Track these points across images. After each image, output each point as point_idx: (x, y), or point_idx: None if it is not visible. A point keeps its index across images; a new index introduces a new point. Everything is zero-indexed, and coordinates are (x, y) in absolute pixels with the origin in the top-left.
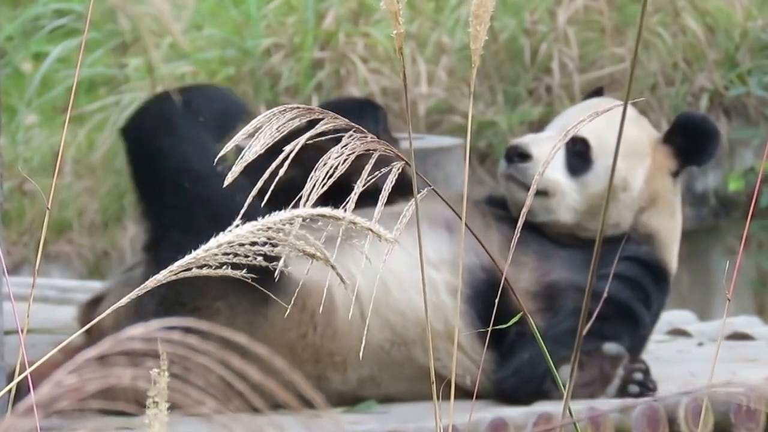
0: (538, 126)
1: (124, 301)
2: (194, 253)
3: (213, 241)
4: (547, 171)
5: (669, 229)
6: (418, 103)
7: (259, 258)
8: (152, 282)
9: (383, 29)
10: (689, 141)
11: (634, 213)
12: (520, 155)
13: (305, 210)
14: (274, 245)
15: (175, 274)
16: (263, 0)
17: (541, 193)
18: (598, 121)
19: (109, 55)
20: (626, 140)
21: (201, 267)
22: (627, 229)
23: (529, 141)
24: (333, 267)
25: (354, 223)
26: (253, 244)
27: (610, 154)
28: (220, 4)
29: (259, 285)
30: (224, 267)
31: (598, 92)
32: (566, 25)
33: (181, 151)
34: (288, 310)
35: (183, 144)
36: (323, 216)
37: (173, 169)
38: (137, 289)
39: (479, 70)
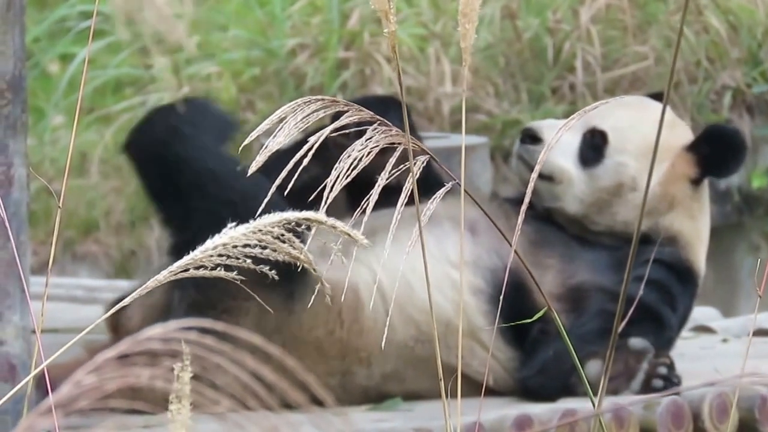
0: None
1: (127, 300)
2: (191, 255)
3: (209, 243)
4: (557, 158)
5: (691, 229)
6: (442, 102)
7: (249, 261)
8: (153, 282)
9: (408, 29)
10: (715, 151)
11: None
12: (532, 137)
13: (293, 213)
14: (263, 248)
15: (175, 274)
16: (288, 0)
17: (548, 178)
18: (623, 117)
19: (135, 55)
20: (644, 139)
21: (198, 268)
22: (645, 231)
23: (544, 125)
24: (314, 270)
25: (334, 227)
26: (246, 246)
27: (626, 152)
28: (245, 5)
29: (287, 283)
30: (219, 268)
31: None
32: (589, 24)
33: (198, 157)
34: (312, 303)
35: (198, 150)
36: (308, 219)
37: (193, 174)
38: (139, 288)
39: (503, 69)
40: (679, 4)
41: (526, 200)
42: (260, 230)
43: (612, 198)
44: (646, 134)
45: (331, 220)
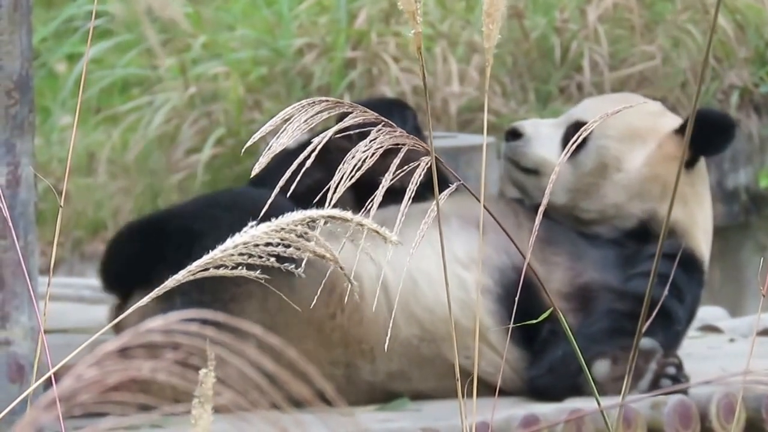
0: None
1: (144, 300)
2: (212, 254)
3: (230, 242)
4: (540, 151)
5: (685, 216)
6: (449, 102)
7: (272, 259)
8: (171, 282)
9: None
10: (703, 132)
11: (631, 195)
12: (514, 134)
13: (316, 211)
14: (286, 246)
15: (193, 274)
16: (295, 0)
17: (534, 172)
18: (605, 106)
19: (142, 55)
20: (627, 124)
21: (218, 267)
22: (644, 220)
23: (526, 122)
24: (341, 268)
25: (362, 225)
26: (268, 245)
27: (607, 136)
28: (252, 5)
29: (282, 259)
30: (240, 267)
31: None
32: (596, 23)
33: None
34: (310, 277)
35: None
36: (333, 217)
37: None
38: (157, 289)
39: (511, 69)
40: (687, 4)
41: (545, 201)
42: (282, 229)
43: (598, 180)
44: (628, 120)
45: (358, 218)
